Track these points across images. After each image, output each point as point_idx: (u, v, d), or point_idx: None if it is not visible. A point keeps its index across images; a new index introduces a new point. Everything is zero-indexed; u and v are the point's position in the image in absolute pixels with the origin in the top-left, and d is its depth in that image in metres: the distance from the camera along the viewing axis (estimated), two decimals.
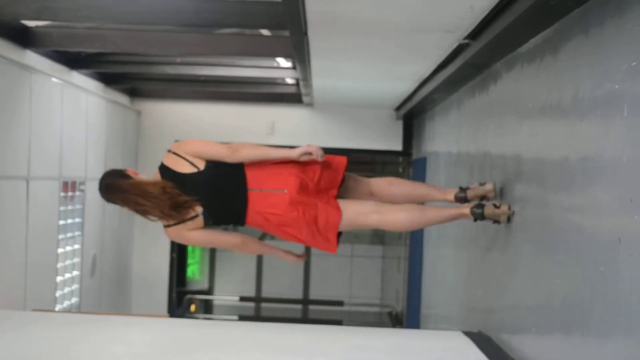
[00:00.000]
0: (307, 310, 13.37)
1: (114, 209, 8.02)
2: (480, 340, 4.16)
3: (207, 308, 13.04)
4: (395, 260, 10.91)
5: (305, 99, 8.20)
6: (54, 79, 6.26)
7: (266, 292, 13.54)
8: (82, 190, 7.07)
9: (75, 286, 7.01)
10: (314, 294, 13.40)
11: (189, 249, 12.66)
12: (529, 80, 3.71)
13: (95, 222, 7.52)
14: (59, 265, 6.51)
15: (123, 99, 8.66)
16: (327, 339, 4.31)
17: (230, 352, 3.92)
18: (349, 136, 9.09)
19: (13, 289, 5.49)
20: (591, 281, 2.67)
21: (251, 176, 3.75)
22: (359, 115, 9.05)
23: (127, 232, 8.84)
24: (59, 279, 6.51)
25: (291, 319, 12.01)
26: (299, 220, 3.74)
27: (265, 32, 6.15)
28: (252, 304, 13.45)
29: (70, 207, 6.76)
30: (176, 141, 3.90)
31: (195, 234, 3.82)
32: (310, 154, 3.72)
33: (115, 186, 3.80)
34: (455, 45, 4.42)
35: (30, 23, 5.69)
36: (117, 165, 8.13)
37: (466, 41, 4.22)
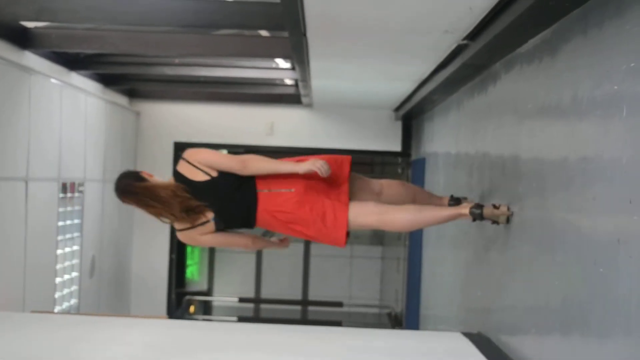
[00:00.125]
0: (306, 311, 13.36)
1: (112, 210, 8.07)
2: (480, 341, 4.16)
3: (206, 309, 13.03)
4: (395, 261, 10.90)
5: (304, 99, 8.20)
6: (52, 80, 6.26)
7: (265, 293, 13.55)
8: (81, 192, 7.07)
9: (74, 287, 7.01)
10: (313, 295, 13.40)
11: (188, 250, 12.66)
12: (528, 81, 3.71)
13: (94, 223, 7.51)
14: (58, 266, 6.51)
15: (122, 100, 8.66)
16: (327, 340, 4.31)
17: (230, 353, 3.92)
18: (348, 137, 9.09)
19: (12, 290, 5.48)
20: (590, 282, 2.67)
21: (260, 178, 3.90)
22: (358, 115, 9.06)
23: (126, 234, 8.84)
24: (58, 280, 6.50)
25: (290, 320, 12.00)
26: (307, 218, 3.86)
27: (264, 32, 6.15)
28: (251, 305, 13.45)
29: (69, 209, 6.76)
30: (188, 149, 4.05)
31: (207, 237, 3.98)
32: (315, 170, 3.82)
33: (129, 188, 3.96)
34: (454, 46, 4.42)
35: (29, 24, 5.69)
36: (116, 166, 8.13)
37: (465, 42, 4.21)
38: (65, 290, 6.78)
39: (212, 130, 9.11)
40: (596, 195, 2.66)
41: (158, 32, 5.97)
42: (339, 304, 12.58)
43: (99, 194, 7.64)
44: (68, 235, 6.79)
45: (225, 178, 3.89)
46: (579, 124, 2.89)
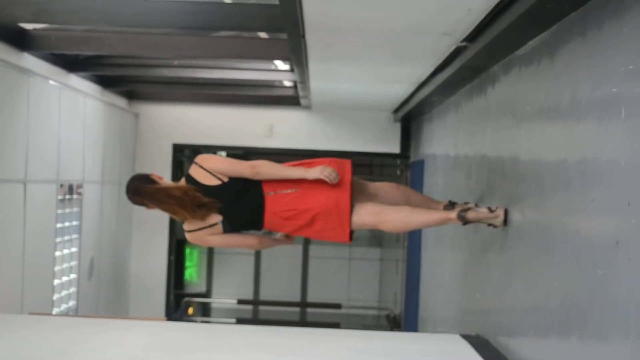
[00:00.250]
0: (305, 313, 13.36)
1: (111, 211, 8.07)
2: (478, 343, 4.16)
3: (204, 311, 13.02)
4: (393, 262, 10.90)
5: (303, 101, 8.20)
6: (51, 82, 6.26)
7: (264, 295, 13.54)
8: (79, 193, 7.07)
9: (72, 289, 7.00)
10: (311, 297, 13.39)
11: (187, 251, 12.66)
12: (527, 83, 3.71)
13: (92, 225, 7.51)
14: (57, 268, 6.51)
15: (121, 101, 8.66)
16: (325, 342, 4.30)
17: (228, 355, 3.92)
18: (347, 139, 9.09)
19: (10, 292, 5.48)
20: (589, 284, 2.67)
21: (266, 182, 4.10)
22: (357, 117, 9.06)
23: (124, 235, 8.84)
24: (56, 282, 6.50)
25: (289, 322, 12.00)
26: (313, 212, 4.05)
27: (262, 34, 6.15)
28: (249, 307, 13.44)
29: (67, 210, 6.75)
30: (200, 154, 4.25)
31: (215, 237, 4.14)
32: (324, 177, 4.03)
33: (142, 190, 4.11)
34: (452, 48, 4.42)
35: (28, 26, 5.69)
36: (115, 168, 8.14)
37: (464, 44, 4.22)
38: (64, 292, 6.77)
39: (211, 132, 9.11)
40: (595, 197, 2.66)
41: (157, 34, 5.96)
42: (338, 306, 12.58)
43: (97, 195, 7.64)
44: (66, 237, 6.79)
45: (235, 183, 4.08)
46: (577, 126, 2.89)
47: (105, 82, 7.87)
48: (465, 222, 4.08)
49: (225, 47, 6.03)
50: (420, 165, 7.82)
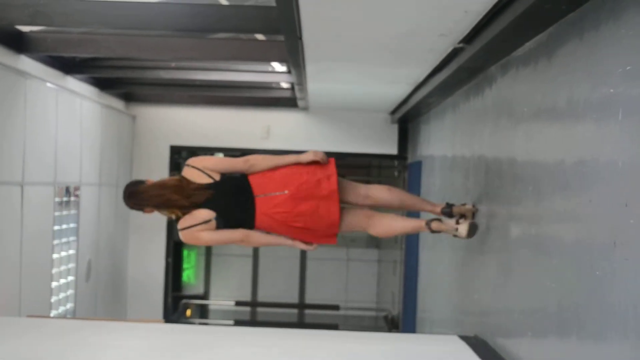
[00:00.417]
0: (303, 315, 13.35)
1: (108, 213, 8.06)
2: (476, 344, 4.16)
3: (202, 313, 13.01)
4: (391, 263, 10.91)
5: (300, 103, 8.20)
6: (48, 84, 6.25)
7: (262, 297, 13.53)
8: (77, 196, 7.06)
9: (70, 292, 6.99)
10: (309, 298, 13.39)
11: (184, 253, 12.64)
12: (524, 84, 3.72)
13: (90, 227, 7.50)
14: (54, 270, 6.50)
15: (118, 103, 8.65)
16: (323, 343, 4.30)
17: (226, 356, 3.92)
18: (345, 140, 9.09)
19: (8, 295, 5.47)
20: (587, 285, 2.67)
21: (255, 184, 4.27)
22: (354, 119, 9.06)
23: (122, 237, 8.83)
24: (54, 284, 6.49)
25: (287, 323, 12.00)
26: (302, 214, 4.23)
27: (260, 36, 6.15)
28: (247, 309, 13.43)
29: (65, 213, 6.74)
30: (192, 157, 4.41)
31: (205, 234, 4.25)
32: (320, 157, 4.31)
33: (137, 190, 4.29)
34: (450, 49, 4.42)
35: (25, 28, 5.68)
36: (112, 170, 8.14)
37: (461, 45, 4.22)
38: (61, 294, 6.77)
39: (208, 133, 9.10)
40: (592, 198, 2.66)
41: (154, 36, 5.96)
42: (336, 307, 12.58)
43: (95, 197, 7.63)
44: (64, 239, 6.78)
45: (227, 182, 4.28)
46: (575, 127, 2.89)
47: (103, 85, 7.87)
48: (432, 230, 4.38)
49: (223, 49, 6.03)
50: (417, 166, 7.82)
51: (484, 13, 3.53)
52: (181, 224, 4.25)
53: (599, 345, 2.56)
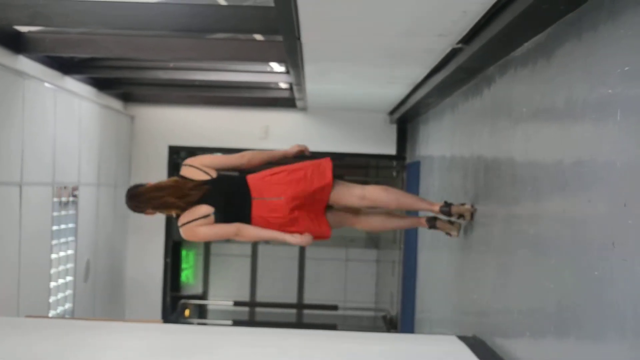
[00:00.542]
0: (301, 315, 13.35)
1: (107, 214, 8.06)
2: (475, 344, 4.16)
3: (201, 313, 13.01)
4: (390, 264, 10.91)
5: (298, 103, 8.20)
6: (46, 85, 6.25)
7: (260, 297, 13.53)
8: (75, 196, 7.06)
9: (68, 292, 6.99)
10: (308, 298, 13.39)
11: (183, 253, 12.64)
12: (523, 85, 3.72)
13: (88, 227, 7.50)
14: (53, 271, 6.50)
15: (116, 104, 8.65)
16: (322, 343, 4.30)
17: (225, 357, 3.92)
18: (343, 140, 9.09)
19: (6, 295, 5.47)
20: (585, 285, 2.67)
21: (253, 186, 4.45)
22: (353, 119, 9.06)
23: (120, 237, 8.83)
24: (52, 284, 6.49)
25: (285, 324, 12.00)
26: (296, 220, 4.43)
27: (258, 36, 6.15)
28: (246, 309, 13.43)
29: (63, 213, 6.74)
30: (189, 158, 4.59)
31: (203, 228, 4.38)
32: (303, 149, 4.66)
33: (137, 192, 4.46)
34: (448, 50, 4.43)
35: (23, 28, 5.68)
36: (111, 170, 8.14)
37: (459, 45, 4.22)
38: (60, 295, 6.76)
39: (206, 133, 9.10)
40: (591, 199, 2.66)
41: (152, 36, 5.96)
42: (334, 307, 12.57)
43: (93, 198, 7.63)
44: (62, 240, 6.78)
45: (222, 181, 4.46)
46: (573, 127, 2.89)
47: (101, 85, 7.86)
48: (430, 227, 4.76)
49: (221, 49, 6.03)
50: (416, 166, 7.82)
51: (482, 13, 3.53)
52: (181, 220, 4.39)
53: (598, 345, 2.56)
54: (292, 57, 5.00)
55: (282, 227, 4.43)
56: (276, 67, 7.09)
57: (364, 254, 13.66)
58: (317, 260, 13.59)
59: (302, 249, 13.57)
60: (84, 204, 7.31)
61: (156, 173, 8.88)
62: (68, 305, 6.99)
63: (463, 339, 4.33)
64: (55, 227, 6.50)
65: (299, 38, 4.33)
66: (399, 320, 9.02)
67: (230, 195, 4.44)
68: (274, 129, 9.12)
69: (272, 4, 3.76)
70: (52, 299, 6.50)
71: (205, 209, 4.36)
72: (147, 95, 9.04)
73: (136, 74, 7.58)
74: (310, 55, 4.94)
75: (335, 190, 4.51)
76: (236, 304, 12.84)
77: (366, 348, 4.18)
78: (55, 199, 6.50)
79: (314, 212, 4.49)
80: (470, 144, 5.01)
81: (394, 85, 6.31)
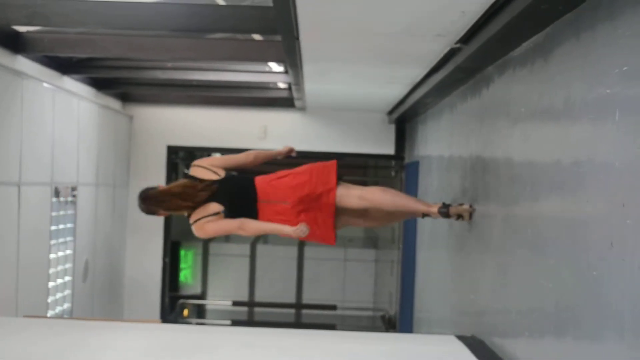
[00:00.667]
0: (300, 315, 13.36)
1: (105, 214, 8.05)
2: (473, 344, 4.17)
3: (199, 313, 13.01)
4: (389, 263, 10.91)
5: (297, 103, 8.20)
6: (45, 84, 6.25)
7: (259, 297, 13.54)
8: (74, 196, 7.05)
9: (67, 292, 6.99)
10: (307, 298, 13.40)
11: (182, 253, 12.65)
12: (521, 85, 3.72)
13: (87, 227, 7.50)
14: (51, 270, 6.49)
15: (115, 103, 8.65)
16: (320, 343, 4.30)
17: (223, 357, 3.92)
18: (342, 140, 9.09)
19: (4, 295, 5.47)
20: (583, 285, 2.67)
21: (260, 189, 4.64)
22: (352, 119, 9.06)
23: (119, 237, 8.82)
24: (50, 284, 6.49)
25: (284, 324, 12.00)
26: (302, 222, 4.52)
27: (257, 36, 6.15)
28: (245, 309, 13.43)
29: (62, 213, 6.74)
30: (196, 159, 4.82)
31: (210, 225, 4.57)
32: (290, 150, 4.92)
33: (149, 195, 4.65)
34: (447, 50, 4.43)
35: (22, 28, 5.67)
36: (109, 170, 8.13)
37: (458, 45, 4.22)
38: (58, 295, 6.76)
39: (205, 133, 9.10)
40: (589, 199, 2.66)
41: (151, 36, 5.95)
42: (333, 307, 12.59)
43: (92, 198, 7.63)
44: (61, 240, 6.77)
45: (230, 180, 4.67)
46: (572, 127, 2.89)
47: (99, 85, 7.86)
48: (424, 215, 4.85)
49: (220, 49, 6.03)
50: (415, 166, 7.82)
51: (480, 13, 3.53)
52: (192, 218, 4.60)
53: (596, 345, 2.57)
54: (291, 57, 5.00)
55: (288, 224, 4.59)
56: (275, 67, 7.09)
57: (363, 254, 13.66)
58: (315, 260, 13.60)
59: (300, 249, 13.57)
60: (83, 203, 7.31)
61: (155, 173, 8.89)
62: (67, 305, 6.98)
63: (462, 338, 4.33)
64: (53, 227, 6.50)
65: (297, 38, 4.33)
66: (398, 320, 9.02)
67: (238, 195, 4.64)
68: (272, 128, 9.11)
69: (270, 4, 3.76)
70: (50, 299, 6.49)
71: (216, 207, 4.56)
72: (145, 95, 9.03)
73: (135, 73, 7.57)
74: (308, 55, 4.94)
75: (338, 194, 4.65)
76: (235, 303, 12.85)
77: (365, 348, 4.18)
78: (54, 199, 6.50)
79: (321, 217, 4.62)
80: (468, 144, 5.01)
81: (392, 85, 6.31)
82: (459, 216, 4.65)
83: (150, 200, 4.65)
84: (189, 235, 13.04)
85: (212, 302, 13.21)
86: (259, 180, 4.68)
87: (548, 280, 3.09)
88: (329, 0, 3.52)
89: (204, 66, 7.36)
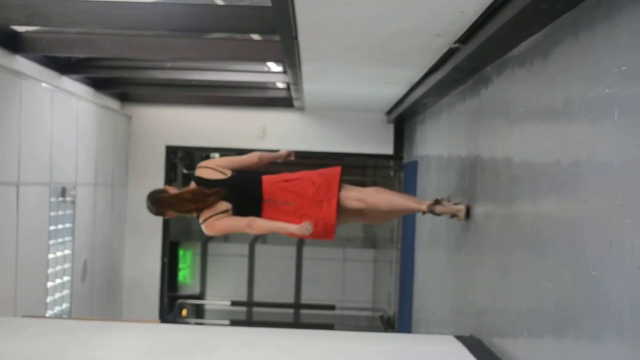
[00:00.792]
0: (298, 315, 13.36)
1: (104, 214, 8.05)
2: (472, 344, 4.17)
3: (198, 313, 13.01)
4: (387, 264, 10.91)
5: (296, 103, 8.20)
6: (44, 84, 6.24)
7: (258, 297, 13.54)
8: (72, 196, 7.05)
9: (66, 292, 6.99)
10: (305, 298, 13.40)
11: (180, 253, 12.64)
12: (520, 84, 3.72)
13: (85, 227, 7.49)
14: (50, 270, 6.49)
15: (113, 103, 8.64)
16: (319, 343, 4.30)
17: (222, 357, 3.91)
18: (340, 140, 9.09)
19: (3, 295, 5.46)
20: (582, 285, 2.67)
21: (266, 189, 4.80)
22: (350, 119, 9.06)
23: (118, 237, 8.82)
24: (49, 284, 6.48)
25: (283, 323, 12.00)
26: (302, 217, 4.70)
27: (255, 36, 6.15)
28: (243, 309, 13.43)
29: (60, 212, 6.74)
30: (203, 161, 5.02)
31: (219, 222, 4.72)
32: (288, 154, 5.00)
33: (160, 198, 4.81)
34: (445, 49, 4.43)
35: (20, 28, 5.67)
36: (108, 170, 8.13)
37: (456, 45, 4.22)
38: (57, 295, 6.76)
39: (204, 133, 9.10)
40: (588, 199, 2.66)
41: (150, 36, 5.95)
42: (332, 307, 12.58)
43: (90, 197, 7.63)
44: (60, 240, 6.77)
45: (237, 178, 4.81)
46: (571, 127, 2.89)
47: (98, 85, 7.86)
48: (424, 213, 4.94)
49: (218, 49, 6.03)
50: (413, 166, 7.82)
51: (479, 13, 3.53)
52: (202, 217, 4.74)
53: (595, 345, 2.57)
54: (290, 57, 5.00)
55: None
56: (274, 67, 7.09)
57: (362, 254, 13.66)
58: (314, 260, 13.60)
59: (299, 249, 13.57)
60: (81, 203, 7.30)
61: (154, 173, 8.89)
62: (65, 305, 6.98)
63: (460, 338, 4.33)
64: (52, 227, 6.49)
65: (296, 38, 4.33)
66: (397, 320, 9.02)
67: (244, 194, 4.78)
68: (271, 128, 9.11)
69: (269, 4, 3.76)
70: (49, 299, 6.49)
71: (224, 205, 4.71)
72: (144, 95, 9.03)
73: (133, 73, 7.57)
74: (307, 55, 4.94)
75: (340, 198, 4.83)
76: (233, 303, 12.84)
77: (364, 348, 4.18)
78: (60, 199, 6.50)
79: (322, 221, 4.76)
80: (467, 143, 5.01)
81: (391, 85, 6.31)
82: (453, 215, 4.77)
83: (160, 204, 4.79)
84: (187, 235, 13.08)
85: (210, 302, 13.21)
86: (266, 180, 4.84)
87: (547, 280, 3.09)
88: (327, 1, 3.51)
89: (202, 66, 7.36)
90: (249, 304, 13.50)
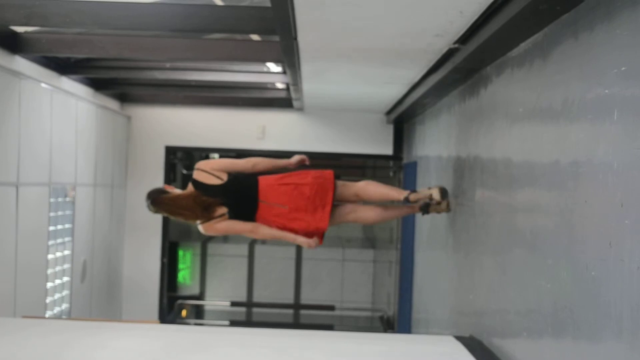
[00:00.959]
0: (298, 315, 13.36)
1: (103, 214, 8.05)
2: (472, 344, 4.17)
3: (198, 313, 13.01)
4: (387, 264, 10.91)
5: (295, 103, 8.20)
6: (43, 85, 6.24)
7: (257, 297, 13.54)
8: (72, 196, 7.05)
9: (65, 292, 6.98)
10: (305, 299, 13.40)
11: (180, 254, 12.64)
12: (519, 85, 3.72)
13: (85, 227, 7.50)
14: (49, 271, 6.49)
15: (113, 104, 8.64)
16: (319, 344, 4.30)
17: (222, 357, 3.91)
18: (340, 140, 9.09)
19: (2, 295, 5.46)
20: (582, 285, 2.67)
21: (262, 190, 4.92)
22: (350, 119, 9.06)
23: (117, 238, 8.82)
24: (49, 285, 6.48)
25: (282, 324, 12.00)
26: (295, 228, 4.95)
27: (255, 37, 6.15)
28: (243, 309, 13.43)
29: (60, 213, 6.74)
30: (200, 161, 5.06)
31: (221, 224, 4.89)
32: (303, 159, 5.10)
33: (159, 200, 4.91)
34: (445, 50, 4.43)
35: (19, 29, 5.67)
36: (107, 171, 8.13)
37: (456, 45, 4.22)
38: (57, 295, 6.76)
39: (203, 134, 9.10)
40: (588, 199, 2.66)
41: (149, 36, 5.95)
42: (331, 308, 12.59)
43: (90, 198, 7.62)
44: (59, 240, 6.77)
45: (233, 182, 4.91)
46: (570, 127, 2.89)
47: (98, 85, 7.86)
48: (423, 213, 5.21)
49: (218, 50, 6.02)
50: (413, 166, 7.82)
51: (479, 13, 3.53)
52: (199, 220, 4.89)
53: (594, 345, 2.56)
54: (289, 58, 5.00)
55: (282, 230, 4.96)
56: (273, 67, 7.09)
57: (361, 254, 13.66)
58: (314, 261, 13.60)
59: (299, 250, 13.57)
60: (81, 204, 7.30)
61: (153, 173, 8.89)
62: (65, 306, 6.98)
63: (460, 339, 4.33)
64: (51, 228, 6.49)
65: (295, 38, 4.33)
66: (396, 320, 9.03)
67: (240, 197, 4.92)
68: (270, 129, 9.12)
69: (268, 4, 3.76)
70: (48, 300, 6.49)
71: (221, 210, 4.85)
72: (143, 96, 9.03)
73: (133, 74, 7.57)
74: (306, 55, 4.94)
75: (337, 191, 5.05)
76: (233, 304, 12.85)
77: (363, 348, 4.18)
78: (59, 199, 6.50)
79: (314, 224, 4.94)
80: (466, 144, 5.01)
81: (390, 85, 6.31)
82: (438, 208, 5.18)
83: (159, 205, 4.90)
84: (187, 236, 13.07)
85: (210, 303, 13.21)
86: (263, 181, 4.96)
87: (546, 280, 3.09)
88: (327, 1, 3.51)
89: (202, 66, 7.36)
90: (249, 304, 13.50)
